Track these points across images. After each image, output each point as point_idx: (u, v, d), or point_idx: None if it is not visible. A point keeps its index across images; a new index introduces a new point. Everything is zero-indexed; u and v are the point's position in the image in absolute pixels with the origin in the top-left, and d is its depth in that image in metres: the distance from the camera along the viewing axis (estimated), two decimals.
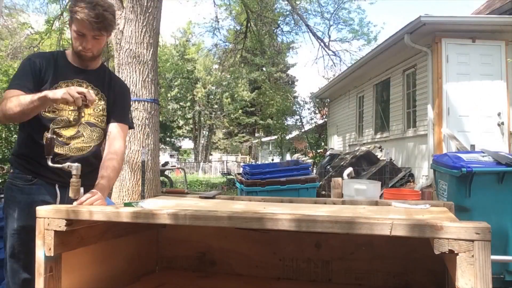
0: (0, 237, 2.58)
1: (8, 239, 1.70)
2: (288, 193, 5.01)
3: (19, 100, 1.57)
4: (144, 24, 4.96)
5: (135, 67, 4.93)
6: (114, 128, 1.85)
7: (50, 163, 1.57)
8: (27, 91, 1.64)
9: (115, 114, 1.88)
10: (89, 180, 1.67)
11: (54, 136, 1.64)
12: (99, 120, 1.84)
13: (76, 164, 1.54)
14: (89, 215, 1.26)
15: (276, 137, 22.89)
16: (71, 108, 1.72)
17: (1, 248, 2.66)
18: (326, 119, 15.92)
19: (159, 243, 1.96)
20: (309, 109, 19.78)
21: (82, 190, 1.52)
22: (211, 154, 34.88)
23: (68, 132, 1.75)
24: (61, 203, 1.71)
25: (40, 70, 1.74)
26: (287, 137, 22.33)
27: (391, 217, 1.03)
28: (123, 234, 1.65)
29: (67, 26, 11.49)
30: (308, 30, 11.53)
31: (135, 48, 4.95)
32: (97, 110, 1.83)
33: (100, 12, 1.65)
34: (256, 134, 33.47)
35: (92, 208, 1.30)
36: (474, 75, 6.83)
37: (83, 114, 1.66)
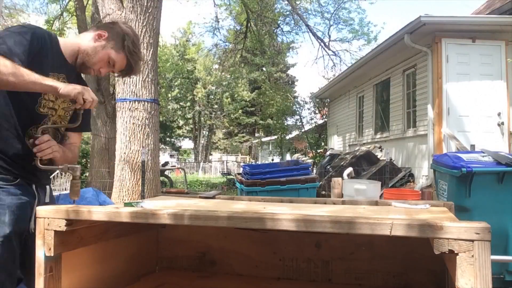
0: None
1: None
2: (288, 193, 5.02)
3: (17, 70, 1.37)
4: (144, 24, 4.96)
5: None
6: (74, 137, 1.76)
7: (40, 165, 1.51)
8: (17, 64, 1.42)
9: (82, 122, 1.65)
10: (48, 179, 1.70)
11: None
12: (63, 120, 1.71)
13: (78, 165, 1.55)
14: (89, 215, 1.26)
15: (276, 137, 22.90)
16: (62, 106, 1.65)
17: None
18: (326, 119, 15.93)
19: (159, 243, 1.96)
20: (309, 109, 19.80)
21: (48, 188, 1.52)
22: (211, 154, 34.90)
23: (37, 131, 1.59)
24: (38, 204, 1.59)
25: (37, 50, 1.53)
26: (287, 137, 22.33)
27: (391, 217, 1.03)
28: (123, 234, 1.65)
29: (67, 26, 11.50)
30: (308, 30, 11.54)
31: None
32: (67, 114, 1.70)
33: (140, 65, 1.80)
34: (256, 134, 33.49)
35: (93, 208, 1.30)
36: (474, 75, 6.83)
37: (79, 118, 1.59)
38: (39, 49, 1.53)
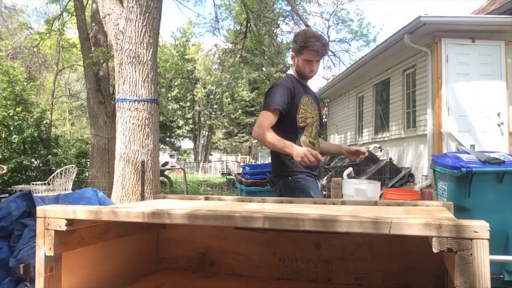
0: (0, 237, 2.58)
1: None
2: None
3: (273, 140, 2.14)
4: (144, 24, 4.96)
5: (135, 67, 4.94)
6: None
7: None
8: (283, 109, 2.23)
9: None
10: None
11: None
12: (318, 124, 2.46)
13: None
14: (89, 215, 1.26)
15: None
16: (311, 116, 2.37)
17: (1, 248, 2.67)
18: (326, 119, 15.92)
19: (159, 243, 1.96)
20: None
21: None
22: (211, 154, 34.89)
23: (312, 135, 2.40)
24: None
25: (292, 91, 2.30)
26: None
27: (390, 216, 1.03)
28: (123, 234, 1.65)
29: (67, 26, 11.50)
30: None
31: (135, 48, 4.95)
32: (318, 117, 2.46)
33: (324, 42, 2.31)
34: None
35: (92, 208, 1.30)
36: (473, 75, 6.83)
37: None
38: (292, 90, 2.31)
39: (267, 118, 2.20)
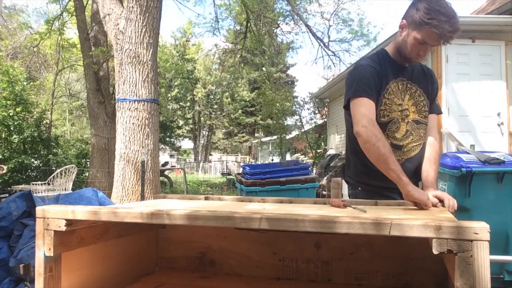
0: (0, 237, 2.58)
1: None
2: (288, 193, 5.02)
3: (385, 157, 1.59)
4: (144, 24, 4.96)
5: (135, 67, 4.94)
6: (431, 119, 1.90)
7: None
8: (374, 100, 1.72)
9: (432, 106, 1.90)
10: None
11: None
12: (423, 116, 1.85)
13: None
14: (89, 216, 1.26)
15: (276, 137, 22.87)
16: (399, 109, 1.80)
17: (1, 248, 2.67)
18: (326, 119, 15.92)
19: (159, 243, 1.96)
20: (309, 109, 19.77)
21: None
22: (211, 154, 34.91)
23: (399, 134, 1.81)
24: None
25: (379, 75, 1.78)
26: (287, 137, 22.31)
27: (390, 217, 1.03)
28: (123, 234, 1.65)
29: (67, 26, 11.51)
30: (308, 30, 11.51)
31: (135, 48, 4.95)
32: (419, 106, 1.84)
33: (456, 26, 1.60)
34: (256, 134, 33.49)
35: (92, 208, 1.30)
36: (473, 75, 6.83)
37: None
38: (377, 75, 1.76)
39: (368, 109, 1.68)
